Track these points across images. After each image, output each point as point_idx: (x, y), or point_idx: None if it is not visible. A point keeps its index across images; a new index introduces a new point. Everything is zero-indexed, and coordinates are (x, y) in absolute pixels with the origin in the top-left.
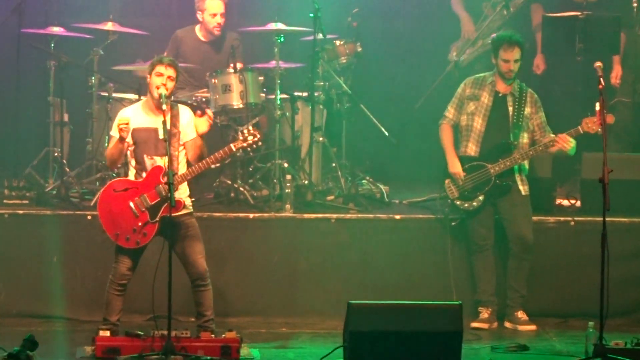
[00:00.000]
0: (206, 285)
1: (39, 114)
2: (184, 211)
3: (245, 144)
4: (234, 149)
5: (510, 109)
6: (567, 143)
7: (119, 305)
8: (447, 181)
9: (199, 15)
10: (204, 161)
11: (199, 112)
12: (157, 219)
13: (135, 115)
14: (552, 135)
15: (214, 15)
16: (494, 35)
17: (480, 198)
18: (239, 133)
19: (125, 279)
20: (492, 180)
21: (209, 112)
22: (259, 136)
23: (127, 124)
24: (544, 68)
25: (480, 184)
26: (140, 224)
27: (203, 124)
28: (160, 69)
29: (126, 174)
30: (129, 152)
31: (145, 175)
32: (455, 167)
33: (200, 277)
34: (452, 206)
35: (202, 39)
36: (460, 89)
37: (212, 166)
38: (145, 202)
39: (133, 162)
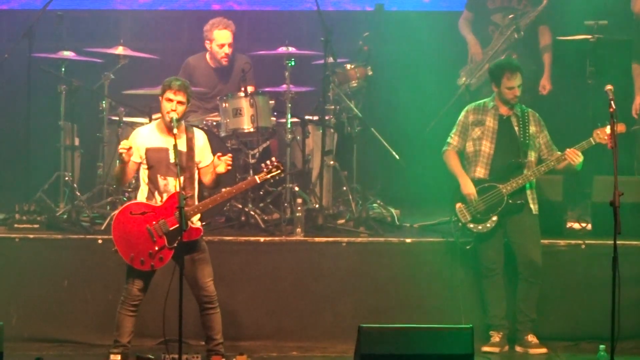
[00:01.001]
0: (215, 309)
1: (50, 138)
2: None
3: (269, 176)
4: (258, 182)
5: (516, 128)
6: (577, 157)
7: (131, 326)
8: (458, 205)
9: (207, 45)
10: (226, 190)
11: (219, 154)
12: (175, 244)
13: (149, 135)
14: (559, 153)
15: (222, 45)
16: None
17: (494, 219)
18: (263, 165)
19: (138, 300)
20: (504, 200)
21: (228, 156)
22: (282, 168)
23: (127, 149)
24: (550, 89)
25: (493, 205)
26: (157, 248)
27: (222, 166)
28: (169, 94)
29: (136, 197)
30: (142, 171)
31: (164, 199)
32: (468, 188)
33: (209, 301)
34: (462, 230)
35: (212, 65)
36: (463, 117)
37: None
38: (164, 227)
39: (145, 181)
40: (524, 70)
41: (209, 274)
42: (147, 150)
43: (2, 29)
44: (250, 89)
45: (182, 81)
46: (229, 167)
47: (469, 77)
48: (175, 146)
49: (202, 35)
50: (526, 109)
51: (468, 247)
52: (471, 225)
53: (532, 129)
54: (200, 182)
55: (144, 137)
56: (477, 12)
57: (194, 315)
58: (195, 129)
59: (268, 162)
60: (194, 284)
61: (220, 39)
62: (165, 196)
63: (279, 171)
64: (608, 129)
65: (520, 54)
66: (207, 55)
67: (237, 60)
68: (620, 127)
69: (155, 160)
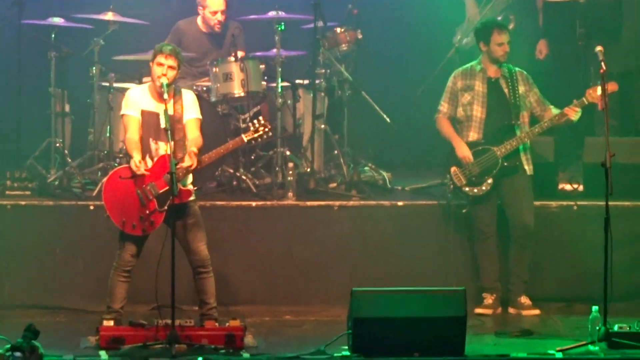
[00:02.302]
0: (208, 273)
1: (40, 105)
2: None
3: (256, 135)
4: (246, 140)
5: (506, 90)
6: (576, 114)
7: (123, 292)
8: (453, 169)
9: (200, 11)
10: (214, 151)
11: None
12: (165, 207)
13: (142, 96)
14: (555, 110)
15: (215, 12)
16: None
17: (489, 181)
18: (250, 124)
19: (130, 266)
20: (499, 162)
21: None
22: (269, 127)
23: (139, 167)
24: (547, 53)
25: (488, 168)
26: (147, 212)
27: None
28: (160, 59)
29: (128, 162)
30: None
31: (153, 162)
32: (463, 151)
33: (202, 265)
34: (455, 192)
35: (204, 30)
36: (451, 82)
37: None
38: (154, 190)
39: None
40: (521, 32)
41: (202, 237)
42: (142, 113)
43: None
44: (240, 53)
45: (173, 46)
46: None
47: (464, 35)
48: (166, 111)
49: (194, 1)
50: (514, 68)
51: (464, 211)
52: (467, 189)
53: (522, 88)
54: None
55: (138, 98)
56: None
57: (186, 281)
58: (183, 89)
59: (255, 121)
60: (187, 249)
61: (213, 5)
62: (155, 160)
63: (266, 129)
64: (599, 90)
65: (517, 14)
66: (199, 20)
67: (228, 26)
68: (612, 86)
69: (147, 124)
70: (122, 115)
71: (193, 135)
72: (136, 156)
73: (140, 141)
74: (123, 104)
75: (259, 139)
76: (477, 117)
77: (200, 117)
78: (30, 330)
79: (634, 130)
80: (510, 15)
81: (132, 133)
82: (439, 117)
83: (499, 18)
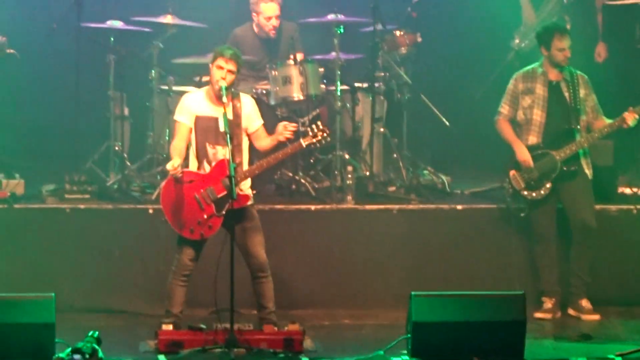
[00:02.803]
0: (267, 277)
1: (99, 108)
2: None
3: (314, 140)
4: (304, 145)
5: (567, 94)
6: (634, 119)
7: (182, 296)
8: (512, 172)
9: (254, 17)
10: (272, 156)
11: (285, 123)
12: (223, 212)
13: (198, 102)
14: (606, 120)
15: (269, 18)
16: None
17: (548, 186)
18: (309, 129)
19: (188, 270)
20: (558, 166)
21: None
22: (328, 131)
23: (176, 168)
24: (605, 56)
25: (546, 172)
26: (205, 216)
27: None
28: (220, 62)
29: (186, 165)
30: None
31: (212, 167)
32: (524, 155)
33: (260, 269)
34: (514, 196)
35: (260, 36)
36: (512, 85)
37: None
38: (212, 195)
39: (193, 150)
40: (578, 34)
41: (260, 242)
42: (197, 118)
43: None
44: (299, 56)
45: (234, 50)
46: (288, 137)
47: (523, 39)
48: (224, 114)
49: (249, 3)
50: (575, 71)
51: (522, 215)
52: (525, 193)
53: (582, 92)
54: (251, 149)
55: (194, 104)
56: None
57: (245, 284)
58: (242, 94)
59: (313, 126)
60: (246, 252)
61: (267, 11)
62: (213, 164)
63: (324, 134)
64: None
65: (573, 16)
66: (254, 26)
67: (285, 28)
68: None
69: (204, 129)
70: (174, 120)
71: (265, 142)
72: (176, 160)
73: (186, 149)
74: (177, 109)
75: (318, 144)
76: (537, 121)
77: (261, 125)
78: (95, 337)
79: None
80: (566, 17)
81: (179, 140)
82: (500, 119)
83: (554, 19)
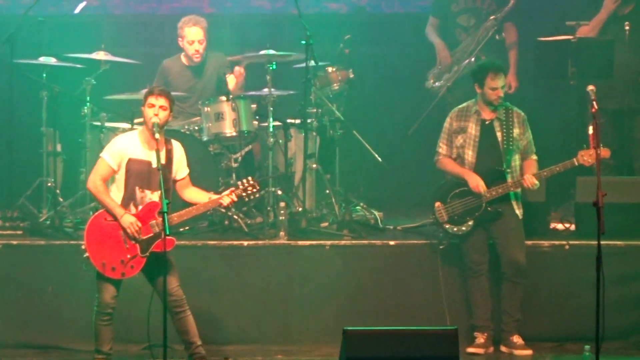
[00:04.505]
0: (186, 311)
1: (32, 144)
2: None
3: (244, 194)
4: (235, 199)
5: (499, 134)
6: (533, 185)
7: (109, 334)
8: (437, 204)
9: (180, 42)
10: (201, 205)
11: (232, 189)
12: (147, 253)
13: (131, 144)
14: (533, 162)
15: (192, 42)
16: (469, 60)
17: (470, 223)
18: (239, 182)
19: (110, 308)
20: (482, 206)
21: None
22: (257, 187)
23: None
24: (516, 86)
25: (470, 210)
26: (129, 256)
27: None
28: (151, 100)
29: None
30: (116, 181)
31: (140, 208)
32: (475, 181)
33: (179, 304)
34: (445, 231)
35: (187, 64)
36: (447, 124)
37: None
38: (138, 235)
39: (119, 191)
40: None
41: (176, 278)
42: (130, 161)
43: None
44: (231, 79)
45: (162, 87)
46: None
47: (437, 79)
48: (157, 151)
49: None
50: (512, 108)
51: (442, 247)
52: (447, 226)
53: (516, 131)
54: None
55: (126, 147)
56: (442, 17)
57: None
58: (173, 140)
59: (244, 180)
60: (163, 290)
61: (190, 35)
62: (140, 208)
63: (254, 190)
64: (591, 151)
65: (488, 55)
66: (182, 57)
67: (212, 58)
68: (605, 153)
69: (136, 172)
70: (100, 156)
71: (192, 190)
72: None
73: (124, 191)
74: (107, 147)
75: (247, 198)
76: (468, 161)
77: (187, 174)
78: None
79: (627, 170)
80: (482, 57)
81: (99, 178)
82: (440, 158)
83: (472, 59)
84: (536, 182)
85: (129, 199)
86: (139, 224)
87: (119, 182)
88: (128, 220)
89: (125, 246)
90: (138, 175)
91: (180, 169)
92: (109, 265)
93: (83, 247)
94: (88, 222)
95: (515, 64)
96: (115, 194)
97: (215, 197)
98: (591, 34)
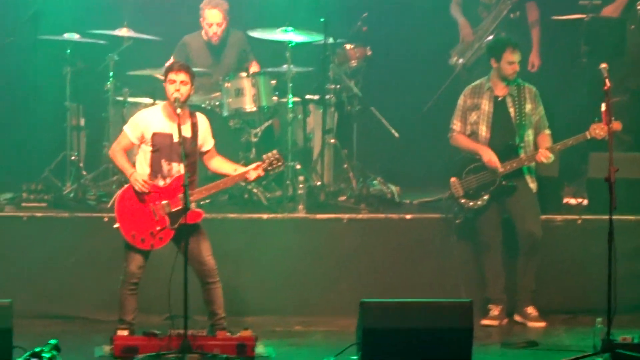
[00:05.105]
0: (216, 283)
1: (56, 119)
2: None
3: (269, 168)
4: (262, 173)
5: (512, 110)
6: (547, 158)
7: (133, 304)
8: (452, 179)
9: (201, 22)
10: (227, 179)
11: (258, 162)
12: (176, 225)
13: (154, 118)
14: (547, 136)
15: (210, 25)
16: (489, 38)
17: (485, 198)
18: (264, 156)
19: (136, 278)
20: (497, 181)
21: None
22: (282, 161)
23: (146, 181)
24: (539, 64)
25: (485, 184)
26: (158, 228)
27: (253, 174)
28: (171, 76)
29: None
30: (144, 155)
31: (170, 181)
32: (489, 155)
33: (210, 275)
34: (453, 202)
35: (207, 40)
36: (461, 101)
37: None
38: (167, 208)
39: (147, 162)
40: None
41: (208, 248)
42: (154, 135)
43: (8, 12)
44: (254, 67)
45: (181, 62)
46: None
47: (460, 56)
48: (179, 126)
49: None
50: (523, 83)
51: (458, 222)
52: (462, 201)
53: (528, 106)
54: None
55: (150, 120)
56: None
57: (198, 292)
58: (198, 113)
59: (270, 154)
60: (195, 260)
61: (210, 17)
62: (168, 180)
63: (280, 163)
64: (604, 124)
65: (509, 32)
66: (203, 33)
67: (232, 36)
68: (617, 125)
69: (160, 145)
70: (123, 129)
71: (219, 160)
72: (144, 174)
73: (151, 164)
74: (130, 120)
75: (272, 172)
76: (482, 137)
77: (213, 146)
78: (54, 344)
79: None
80: (502, 33)
81: (120, 149)
82: (454, 135)
83: (491, 37)
84: (550, 155)
85: (156, 172)
86: (145, 180)
87: (146, 155)
88: (134, 177)
89: (155, 218)
90: (163, 148)
91: (207, 140)
92: (139, 237)
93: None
94: (119, 194)
95: (538, 42)
96: (144, 167)
97: (241, 168)
98: (614, 14)
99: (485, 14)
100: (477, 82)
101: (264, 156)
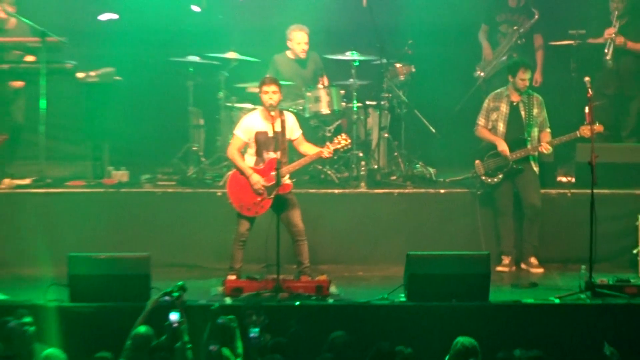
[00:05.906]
0: (303, 240)
1: (182, 119)
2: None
3: (339, 146)
4: (332, 150)
5: (523, 113)
6: (547, 150)
7: (241, 255)
8: (476, 162)
9: (289, 44)
10: (307, 157)
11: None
12: (272, 195)
13: (256, 121)
14: (548, 134)
15: (299, 43)
16: (503, 58)
17: (500, 176)
18: (335, 138)
19: (245, 237)
20: (509, 164)
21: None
22: (349, 140)
23: (256, 182)
24: (541, 81)
25: (501, 166)
26: (259, 199)
27: (326, 152)
28: (265, 88)
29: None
30: (251, 148)
31: (265, 164)
32: (503, 146)
33: (299, 234)
34: (476, 179)
35: (292, 58)
36: (486, 103)
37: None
38: (265, 183)
39: (253, 155)
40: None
41: (299, 215)
42: (257, 133)
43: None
44: (325, 80)
45: (272, 76)
46: (329, 155)
47: (482, 70)
48: (273, 124)
49: (285, 39)
50: (532, 93)
51: (479, 193)
52: (483, 178)
53: (535, 110)
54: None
55: (253, 123)
56: (490, 24)
57: (287, 247)
58: (285, 112)
59: (339, 136)
60: (288, 223)
61: (298, 39)
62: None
63: (347, 142)
64: (589, 128)
65: (519, 54)
66: (288, 53)
67: (310, 54)
68: (598, 128)
69: (262, 140)
70: (234, 134)
71: (306, 145)
72: (260, 179)
73: (256, 154)
74: (238, 125)
75: (342, 149)
76: (500, 132)
77: (300, 135)
78: (181, 285)
79: (617, 138)
80: (514, 54)
81: (235, 150)
82: (478, 128)
83: (504, 58)
84: (550, 148)
85: (259, 159)
86: (262, 182)
87: (252, 149)
88: (254, 179)
89: (257, 192)
90: (263, 142)
91: (294, 131)
92: (245, 207)
93: (223, 194)
94: (229, 177)
95: (542, 64)
96: (252, 157)
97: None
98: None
99: (502, 40)
100: (499, 90)
101: (335, 138)
